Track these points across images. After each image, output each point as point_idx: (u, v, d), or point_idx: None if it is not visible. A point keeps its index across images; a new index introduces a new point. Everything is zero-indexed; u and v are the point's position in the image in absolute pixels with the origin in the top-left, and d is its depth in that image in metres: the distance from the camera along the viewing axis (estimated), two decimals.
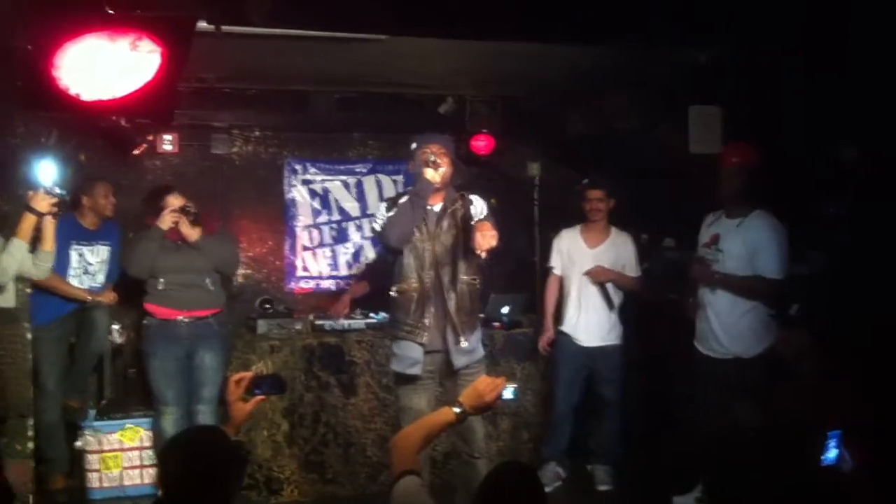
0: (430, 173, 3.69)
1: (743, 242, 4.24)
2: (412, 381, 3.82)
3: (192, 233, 4.58)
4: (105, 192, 4.90)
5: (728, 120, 4.93)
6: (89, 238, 4.89)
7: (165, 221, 4.52)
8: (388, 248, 3.83)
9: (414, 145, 3.84)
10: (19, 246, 3.95)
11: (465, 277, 3.84)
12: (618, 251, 5.01)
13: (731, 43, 3.94)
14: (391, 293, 3.88)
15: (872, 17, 3.30)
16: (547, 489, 4.89)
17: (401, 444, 2.46)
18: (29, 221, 3.94)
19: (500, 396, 2.55)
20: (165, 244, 4.59)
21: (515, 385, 2.65)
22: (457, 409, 2.52)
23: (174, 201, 4.57)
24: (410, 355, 3.80)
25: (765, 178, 4.29)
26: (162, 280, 4.59)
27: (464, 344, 3.81)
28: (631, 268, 5.03)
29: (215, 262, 4.68)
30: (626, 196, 5.13)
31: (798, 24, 3.45)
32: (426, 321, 3.79)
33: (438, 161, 3.71)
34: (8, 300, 4.12)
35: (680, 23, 3.54)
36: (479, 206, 3.88)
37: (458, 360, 3.81)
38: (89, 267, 4.90)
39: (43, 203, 3.94)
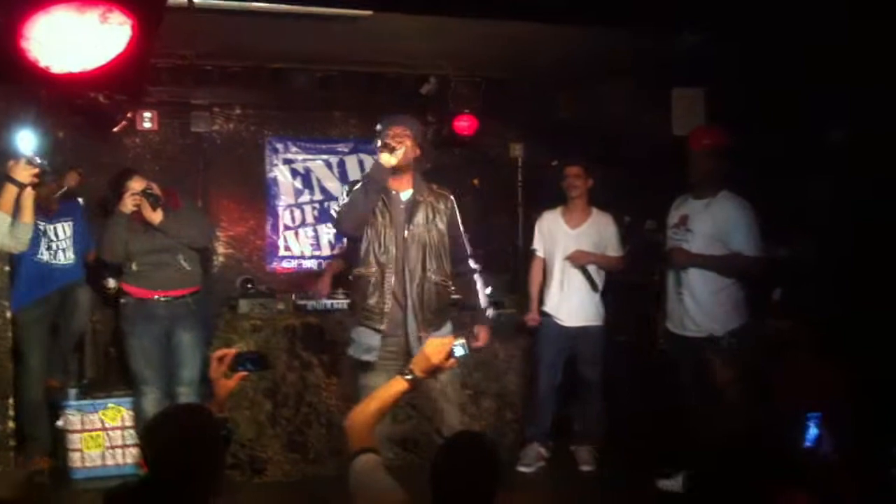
0: (384, 157, 3.58)
1: (712, 222, 4.28)
2: (368, 365, 3.75)
3: (154, 216, 4.55)
4: (72, 175, 4.86)
5: (711, 102, 4.94)
6: (47, 216, 4.79)
7: (126, 205, 4.51)
8: (345, 235, 3.77)
9: (379, 126, 3.76)
10: (2, 218, 3.88)
11: (435, 277, 3.76)
12: (599, 232, 5.01)
13: (717, 26, 3.94)
14: (351, 276, 3.83)
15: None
16: (530, 469, 4.96)
17: (356, 421, 2.43)
18: (10, 192, 3.87)
19: (450, 356, 2.52)
20: (133, 226, 4.58)
21: (463, 341, 2.60)
22: (407, 377, 2.50)
23: (135, 185, 4.54)
24: (366, 341, 3.73)
25: (733, 160, 4.31)
26: (135, 262, 4.58)
27: (423, 338, 3.67)
28: (613, 248, 5.03)
29: (183, 240, 4.66)
30: (610, 178, 5.13)
31: (784, 7, 3.44)
32: (385, 307, 3.71)
33: (394, 144, 3.60)
34: None
35: (668, 6, 3.53)
36: (454, 206, 3.87)
37: (417, 349, 3.75)
38: (53, 243, 4.83)
39: (24, 173, 3.86)
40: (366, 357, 3.72)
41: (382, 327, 3.71)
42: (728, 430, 4.05)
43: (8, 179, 3.86)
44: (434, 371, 2.54)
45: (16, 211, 4.00)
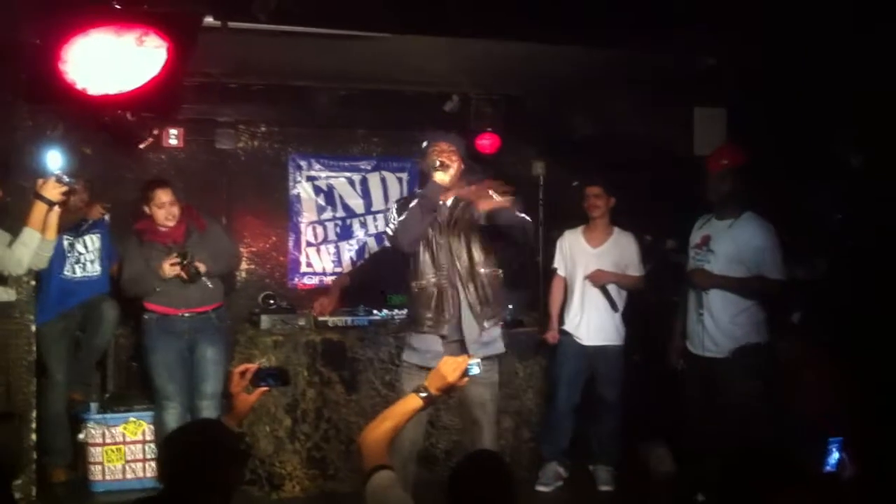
0: (439, 175, 3.68)
1: (734, 243, 4.26)
2: (425, 372, 3.79)
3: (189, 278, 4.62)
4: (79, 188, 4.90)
5: (732, 123, 4.94)
6: (76, 230, 4.88)
7: (166, 271, 4.57)
8: (401, 251, 3.83)
9: (425, 143, 3.85)
10: (33, 236, 3.91)
11: (484, 270, 3.84)
12: (621, 251, 5.01)
13: (735, 46, 3.95)
14: (412, 289, 3.89)
15: (876, 19, 3.31)
16: (548, 489, 4.94)
17: (369, 439, 2.43)
18: (39, 210, 3.91)
19: (464, 374, 2.53)
20: (156, 247, 4.64)
21: (478, 360, 2.64)
22: (422, 394, 2.51)
23: (163, 196, 4.60)
24: (432, 348, 3.80)
25: (753, 181, 4.30)
26: (157, 286, 4.63)
27: (484, 336, 3.82)
28: (634, 268, 5.03)
29: (212, 276, 4.73)
30: (630, 197, 5.13)
31: (799, 27, 3.46)
32: (446, 314, 3.80)
33: (447, 162, 3.69)
34: (10, 293, 4.11)
35: (684, 26, 3.55)
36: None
37: (475, 351, 3.78)
38: (81, 256, 4.89)
39: (53, 191, 3.90)
40: (432, 364, 3.73)
41: (446, 333, 3.80)
42: (740, 447, 4.03)
43: (37, 197, 3.91)
44: (449, 389, 2.56)
45: None
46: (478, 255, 3.84)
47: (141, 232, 4.69)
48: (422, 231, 3.77)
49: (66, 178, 3.93)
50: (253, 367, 2.72)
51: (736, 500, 2.17)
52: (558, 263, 5.15)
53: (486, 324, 3.82)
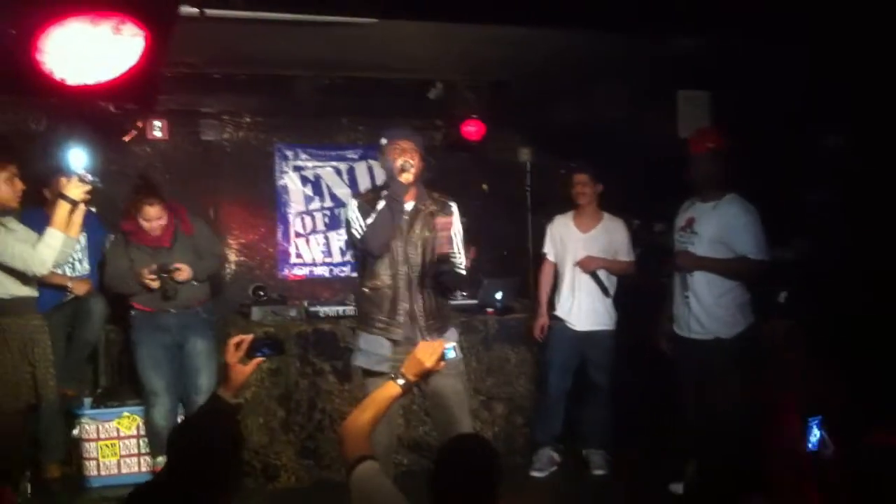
0: (404, 177, 3.64)
1: (717, 225, 4.27)
2: (378, 376, 3.73)
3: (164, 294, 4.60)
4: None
5: (715, 106, 4.94)
6: None
7: (143, 281, 4.53)
8: (370, 254, 3.77)
9: (383, 140, 3.78)
10: (57, 236, 3.89)
11: (433, 282, 3.80)
12: (610, 236, 5.02)
13: (721, 32, 3.94)
14: (364, 289, 3.84)
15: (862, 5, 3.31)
16: (543, 474, 4.96)
17: (351, 429, 2.43)
18: (63, 209, 3.88)
19: (441, 358, 2.54)
20: (143, 249, 4.60)
21: (454, 343, 2.67)
22: (400, 381, 2.52)
23: (150, 212, 4.53)
24: (379, 352, 3.76)
25: (736, 162, 4.30)
26: (139, 289, 4.60)
27: (453, 343, 3.74)
28: (624, 252, 5.03)
29: (199, 280, 4.71)
30: (618, 182, 5.13)
31: (787, 13, 3.45)
32: (399, 318, 3.75)
33: (410, 160, 3.66)
34: (33, 290, 4.09)
35: (670, 11, 3.54)
36: (456, 215, 3.89)
37: None
38: (70, 256, 4.86)
39: (77, 191, 3.88)
40: (378, 368, 3.73)
41: (397, 337, 3.74)
42: (726, 431, 4.06)
43: (60, 197, 3.89)
44: (426, 374, 2.56)
45: None
46: (431, 268, 3.79)
47: (128, 233, 4.64)
48: (392, 233, 3.71)
49: (89, 177, 3.91)
50: (248, 337, 2.73)
51: None
52: (548, 249, 5.15)
53: (434, 335, 3.70)
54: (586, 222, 5.03)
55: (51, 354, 4.17)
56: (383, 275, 3.77)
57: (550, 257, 5.14)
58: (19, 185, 4.00)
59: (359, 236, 3.76)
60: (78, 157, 4.10)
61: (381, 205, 3.70)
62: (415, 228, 3.78)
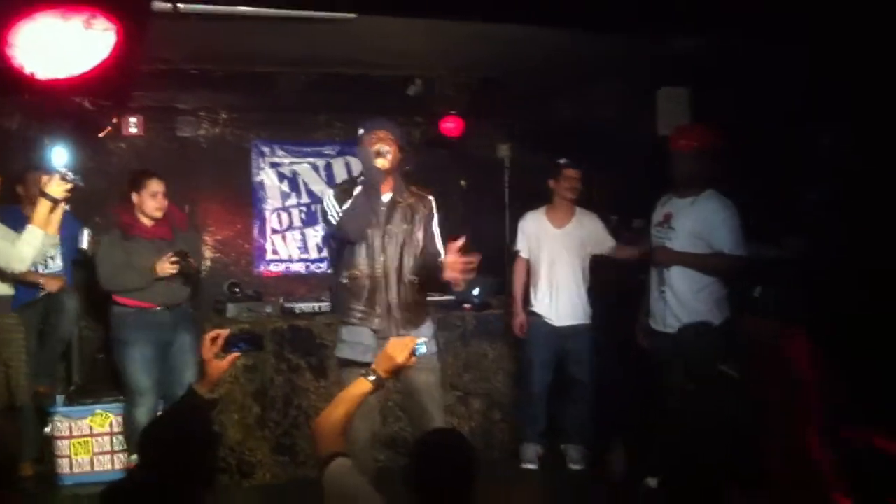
0: (380, 162, 3.66)
1: (695, 220, 4.29)
2: (361, 367, 3.78)
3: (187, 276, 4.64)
4: (37, 180, 4.81)
5: (701, 104, 4.96)
6: None
7: (163, 269, 4.50)
8: (347, 241, 3.79)
9: (361, 131, 3.79)
10: (37, 234, 3.89)
11: (410, 277, 3.82)
12: (586, 229, 5.06)
13: (712, 32, 3.95)
14: (342, 280, 3.84)
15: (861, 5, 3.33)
16: (535, 466, 4.99)
17: (323, 426, 2.42)
18: (44, 207, 3.88)
19: (412, 354, 2.54)
20: (142, 242, 4.57)
21: (425, 339, 2.69)
22: (371, 378, 2.50)
23: (155, 185, 4.55)
24: (363, 342, 3.77)
25: (723, 161, 4.32)
26: (142, 283, 4.56)
27: (424, 338, 3.75)
28: (607, 243, 5.08)
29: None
30: (597, 178, 5.15)
31: (777, 10, 3.46)
32: (377, 308, 3.77)
33: (387, 148, 3.68)
34: (8, 288, 4.07)
35: (660, 10, 3.54)
36: (433, 207, 3.90)
37: None
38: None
39: (58, 189, 3.87)
40: (363, 358, 3.72)
41: (377, 327, 3.75)
42: (700, 424, 4.09)
43: (41, 195, 3.88)
44: (397, 370, 2.55)
45: None
46: (408, 260, 3.81)
47: (127, 226, 4.58)
48: (369, 220, 3.73)
49: (70, 175, 3.89)
50: (224, 332, 2.71)
51: None
52: (521, 246, 5.16)
53: (409, 328, 3.73)
54: (560, 217, 5.06)
55: (24, 353, 4.13)
56: (361, 265, 3.78)
57: (524, 254, 5.15)
58: None
59: (335, 222, 3.76)
60: (59, 156, 4.07)
61: (357, 190, 3.71)
62: (393, 220, 3.79)
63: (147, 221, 4.60)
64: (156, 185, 4.57)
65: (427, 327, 3.90)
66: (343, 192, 3.78)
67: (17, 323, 4.14)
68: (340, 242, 3.85)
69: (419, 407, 3.84)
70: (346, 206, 3.70)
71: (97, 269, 4.59)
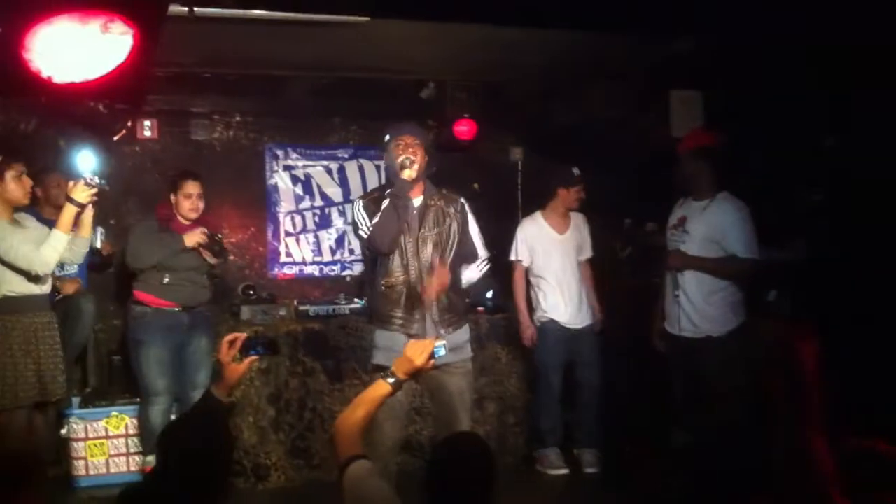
0: (406, 173, 3.66)
1: (708, 224, 4.28)
2: None
3: (212, 261, 4.69)
4: (56, 182, 4.82)
5: (710, 107, 4.95)
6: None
7: (192, 239, 4.56)
8: (379, 253, 3.78)
9: (387, 137, 3.79)
10: (61, 238, 3.95)
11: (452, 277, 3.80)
12: (580, 233, 5.14)
13: (715, 33, 3.95)
14: (380, 287, 3.83)
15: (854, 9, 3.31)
16: (562, 472, 4.96)
17: (343, 429, 2.41)
18: (70, 212, 3.94)
19: (431, 357, 2.55)
20: (174, 235, 4.60)
21: (444, 342, 2.68)
22: (390, 380, 2.51)
23: (191, 187, 4.62)
24: (398, 348, 3.70)
25: (725, 162, 4.31)
26: (168, 277, 4.59)
27: (444, 341, 3.76)
28: (589, 247, 5.18)
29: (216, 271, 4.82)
30: (610, 180, 5.14)
31: (781, 14, 3.45)
32: (416, 314, 3.76)
33: (413, 157, 3.67)
34: (42, 287, 4.10)
35: (666, 12, 3.54)
36: (466, 211, 3.91)
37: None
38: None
39: (83, 194, 3.93)
40: None
41: (416, 332, 3.73)
42: (720, 429, 4.07)
43: (68, 200, 3.94)
44: (416, 373, 2.55)
45: None
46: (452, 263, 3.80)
47: (164, 219, 4.65)
48: (399, 231, 3.72)
49: (96, 181, 3.95)
50: (242, 336, 2.72)
51: None
52: (522, 255, 5.11)
53: (442, 331, 3.71)
54: (560, 223, 5.11)
55: (60, 351, 4.17)
56: (397, 272, 3.77)
57: (525, 263, 5.12)
58: (28, 183, 4.06)
59: (366, 237, 3.77)
60: (84, 160, 4.13)
61: (385, 203, 3.71)
62: (426, 224, 3.79)
63: (183, 221, 4.66)
64: (190, 187, 4.62)
65: (464, 331, 3.89)
66: (372, 201, 3.79)
67: (52, 321, 4.17)
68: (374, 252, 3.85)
69: (450, 411, 3.84)
70: (375, 220, 3.70)
71: (126, 250, 4.65)
